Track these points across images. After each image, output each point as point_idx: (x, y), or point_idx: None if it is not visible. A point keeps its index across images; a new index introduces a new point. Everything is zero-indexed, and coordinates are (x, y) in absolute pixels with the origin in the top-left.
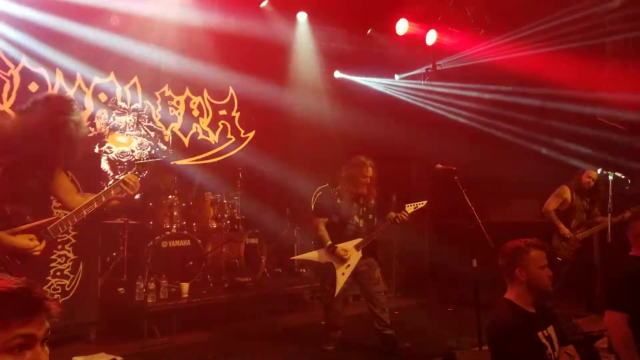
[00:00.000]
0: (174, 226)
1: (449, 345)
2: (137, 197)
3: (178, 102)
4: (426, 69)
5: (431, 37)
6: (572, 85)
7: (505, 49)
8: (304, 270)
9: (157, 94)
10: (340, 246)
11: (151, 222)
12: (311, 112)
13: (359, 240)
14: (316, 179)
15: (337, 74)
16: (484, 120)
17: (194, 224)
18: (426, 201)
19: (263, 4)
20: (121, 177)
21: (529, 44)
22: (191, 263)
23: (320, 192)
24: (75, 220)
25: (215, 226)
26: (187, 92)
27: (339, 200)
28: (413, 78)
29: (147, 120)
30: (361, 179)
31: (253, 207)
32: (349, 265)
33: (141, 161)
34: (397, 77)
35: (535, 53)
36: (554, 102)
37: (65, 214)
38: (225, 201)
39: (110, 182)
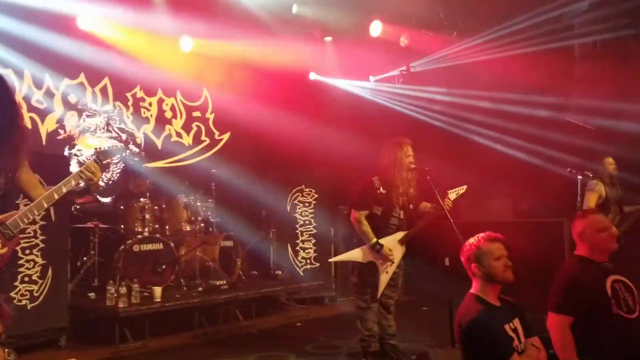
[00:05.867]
0: (146, 229)
1: (423, 343)
2: (108, 200)
3: (150, 104)
4: (400, 71)
5: (405, 39)
6: (541, 87)
7: (476, 51)
8: (280, 272)
9: (128, 95)
10: (385, 244)
11: (122, 226)
12: (288, 112)
13: (401, 234)
14: (293, 181)
15: (313, 76)
16: (456, 122)
17: (167, 227)
18: (466, 186)
19: None
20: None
21: (500, 46)
22: (164, 267)
23: (360, 182)
24: (36, 213)
25: (188, 229)
26: (160, 94)
27: (381, 190)
28: (387, 80)
29: (118, 122)
30: (405, 160)
31: (228, 210)
32: (393, 264)
33: (101, 149)
34: (371, 79)
35: (505, 55)
36: (524, 104)
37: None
38: (199, 204)
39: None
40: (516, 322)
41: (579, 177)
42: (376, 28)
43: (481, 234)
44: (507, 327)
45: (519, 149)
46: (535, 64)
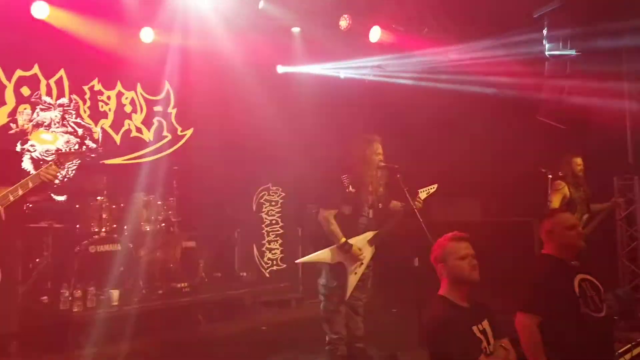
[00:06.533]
0: (103, 229)
1: (392, 346)
2: (62, 198)
3: (109, 97)
4: (370, 67)
5: (375, 34)
6: (513, 85)
7: (448, 48)
8: (245, 274)
9: (85, 88)
10: (354, 244)
11: (78, 226)
12: (254, 108)
13: (371, 233)
14: (260, 179)
15: (280, 69)
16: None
17: (125, 227)
18: (437, 185)
19: None
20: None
21: (472, 41)
22: (122, 269)
23: (328, 180)
24: None
25: (148, 229)
26: (119, 87)
27: (350, 188)
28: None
29: (74, 116)
30: (374, 157)
31: (191, 209)
32: (362, 264)
33: (63, 151)
34: (342, 74)
35: (478, 54)
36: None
37: None
38: (159, 202)
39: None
40: (485, 324)
41: (549, 176)
42: (345, 22)
43: (448, 234)
44: (474, 328)
45: (488, 147)
46: (507, 63)
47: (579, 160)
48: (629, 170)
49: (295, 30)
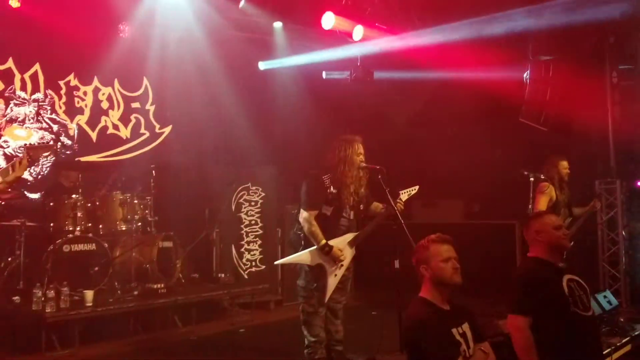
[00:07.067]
0: (78, 228)
1: (372, 349)
2: (36, 196)
3: (85, 93)
4: (353, 67)
5: (358, 32)
6: (495, 85)
7: (432, 46)
8: (223, 275)
9: (61, 83)
10: (335, 244)
11: (52, 224)
12: (235, 106)
13: (351, 235)
14: (239, 178)
15: (262, 66)
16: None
17: (101, 226)
18: (418, 187)
19: None
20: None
21: (455, 40)
22: (96, 269)
23: (309, 180)
24: None
25: (124, 228)
26: (96, 82)
27: (332, 189)
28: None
29: (49, 112)
30: (356, 158)
31: (168, 208)
32: (342, 266)
33: (32, 145)
34: (324, 74)
35: (461, 52)
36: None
37: None
38: (136, 201)
39: None
40: (465, 327)
41: (531, 179)
42: (328, 20)
43: (432, 236)
44: (454, 331)
45: (471, 149)
46: (490, 62)
47: (565, 163)
48: (610, 174)
49: (278, 25)
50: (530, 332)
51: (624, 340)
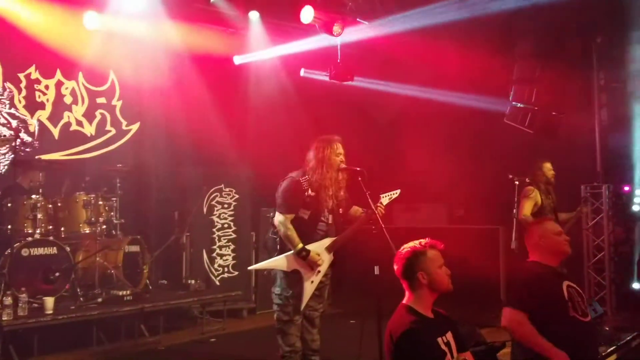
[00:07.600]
0: (38, 231)
1: (350, 359)
2: None
3: (47, 87)
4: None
5: (338, 28)
6: (480, 85)
7: (414, 44)
8: (193, 281)
9: (21, 76)
10: (312, 249)
11: (9, 226)
12: (207, 103)
13: (329, 240)
14: (211, 179)
15: (237, 60)
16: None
17: (63, 229)
18: (399, 190)
19: None
20: None
21: (439, 39)
22: (58, 274)
23: (286, 182)
24: None
25: (88, 231)
26: (59, 75)
27: (309, 192)
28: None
29: (7, 106)
30: (335, 158)
31: (135, 210)
32: (319, 272)
33: None
34: (302, 71)
35: (445, 51)
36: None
37: None
38: (101, 203)
39: None
40: (449, 336)
41: (516, 182)
42: (307, 14)
43: (424, 240)
44: (440, 340)
45: (454, 151)
46: (475, 62)
47: (549, 165)
48: (597, 179)
49: (254, 17)
50: (528, 322)
51: (609, 350)
